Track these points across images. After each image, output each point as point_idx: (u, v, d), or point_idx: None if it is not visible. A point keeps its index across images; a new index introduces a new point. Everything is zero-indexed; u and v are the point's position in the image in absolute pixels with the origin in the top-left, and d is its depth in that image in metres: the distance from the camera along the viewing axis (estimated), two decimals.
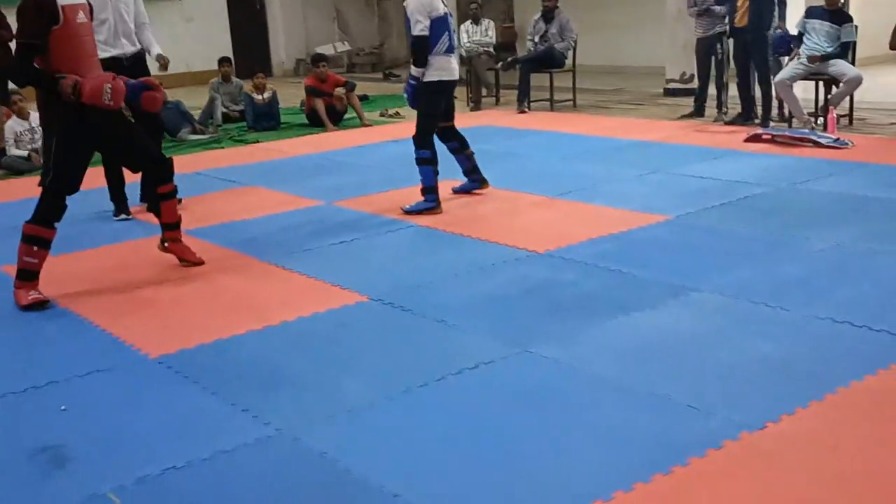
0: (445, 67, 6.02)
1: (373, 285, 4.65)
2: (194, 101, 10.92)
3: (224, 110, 10.86)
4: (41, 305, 4.55)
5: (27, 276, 4.61)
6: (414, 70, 6.02)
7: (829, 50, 8.21)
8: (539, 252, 5.06)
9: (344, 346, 3.92)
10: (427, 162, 6.06)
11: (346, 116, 10.53)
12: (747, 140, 7.88)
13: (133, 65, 6.28)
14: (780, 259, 4.72)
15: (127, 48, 6.28)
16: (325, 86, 10.37)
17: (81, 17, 4.52)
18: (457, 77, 6.23)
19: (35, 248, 4.59)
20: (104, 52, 6.06)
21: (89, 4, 4.73)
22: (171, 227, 5.08)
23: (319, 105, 10.18)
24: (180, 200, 6.80)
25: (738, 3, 8.63)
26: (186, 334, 4.13)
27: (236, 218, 6.27)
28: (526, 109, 10.54)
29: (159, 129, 6.83)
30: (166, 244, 5.14)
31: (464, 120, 10.25)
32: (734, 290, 4.29)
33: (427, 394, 3.41)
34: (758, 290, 4.26)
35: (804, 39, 8.39)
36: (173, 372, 3.74)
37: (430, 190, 6.08)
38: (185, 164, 8.16)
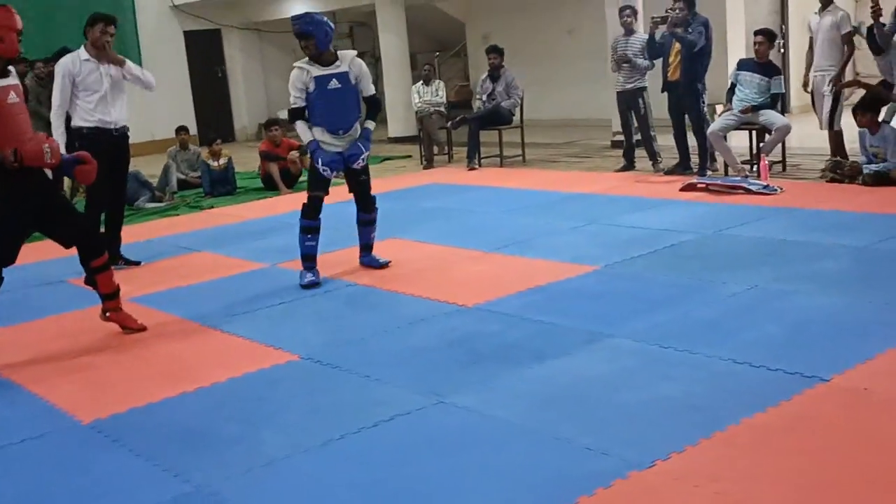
0: None
1: (305, 344, 4.82)
2: (158, 168, 11.13)
3: (183, 177, 11.10)
4: None
5: None
6: (372, 127, 6.12)
7: (760, 100, 8.55)
8: (468, 306, 5.26)
9: (269, 404, 4.08)
10: None
11: (301, 179, 10.75)
12: (683, 189, 8.16)
13: (120, 137, 6.65)
14: (695, 303, 4.94)
15: (114, 116, 6.62)
16: (279, 150, 10.64)
17: (13, 97, 4.73)
18: None
19: None
20: (91, 119, 6.50)
21: (23, 84, 4.96)
22: (109, 298, 5.24)
23: (273, 169, 10.44)
24: (139, 263, 7.06)
25: (671, 59, 8.98)
26: (120, 399, 4.27)
27: (182, 283, 6.44)
28: (476, 166, 10.82)
29: (123, 194, 7.09)
30: (108, 314, 5.29)
31: (416, 178, 10.59)
32: (647, 334, 4.50)
33: (343, 446, 3.58)
34: (669, 334, 4.47)
35: (736, 90, 8.74)
36: (103, 436, 3.88)
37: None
38: (141, 232, 8.41)
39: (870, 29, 8.14)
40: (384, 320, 5.16)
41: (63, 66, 6.58)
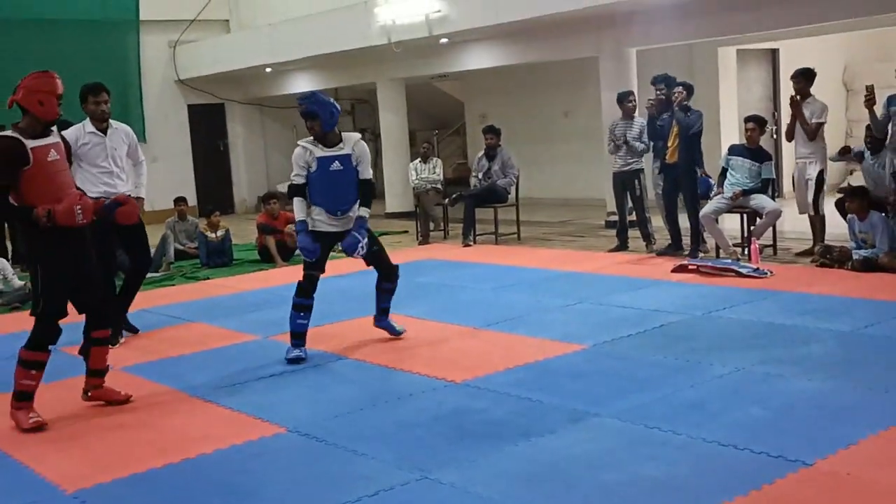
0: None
1: (293, 417, 4.84)
2: (156, 238, 11.22)
3: (181, 247, 11.23)
4: (41, 428, 4.90)
5: (25, 396, 4.99)
6: (367, 215, 6.06)
7: (751, 185, 8.71)
8: (457, 381, 5.29)
9: (254, 477, 4.08)
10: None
11: (297, 252, 10.82)
12: (674, 270, 8.24)
13: None
14: (681, 384, 4.97)
15: (118, 188, 6.67)
16: (277, 223, 10.76)
17: (53, 154, 4.90)
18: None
19: (32, 372, 4.96)
20: (97, 190, 6.53)
21: (63, 141, 5.13)
22: (97, 374, 5.27)
23: (270, 242, 10.54)
24: (137, 331, 7.09)
25: (669, 142, 9.12)
26: (105, 469, 4.28)
27: (173, 354, 6.47)
28: (471, 243, 10.94)
29: (146, 262, 7.16)
30: (90, 393, 5.30)
31: (411, 253, 10.69)
32: (632, 414, 4.52)
33: None
34: (654, 414, 4.49)
35: (727, 175, 8.90)
36: None
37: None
38: (136, 302, 8.37)
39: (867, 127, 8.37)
40: (373, 394, 5.19)
41: (65, 135, 6.72)
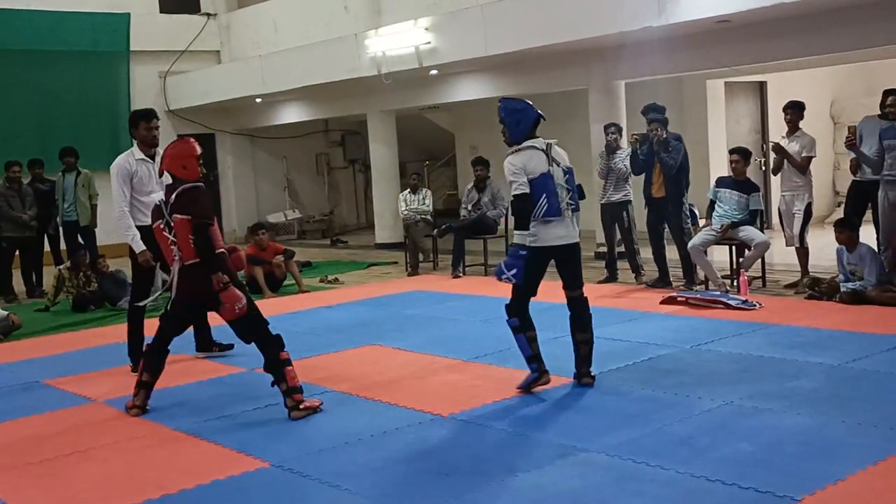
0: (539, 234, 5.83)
1: (276, 451, 4.78)
2: None
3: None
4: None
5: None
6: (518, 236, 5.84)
7: (739, 217, 8.71)
8: (443, 415, 5.24)
9: None
10: (517, 330, 5.81)
11: (285, 283, 10.82)
12: (663, 302, 8.22)
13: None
14: (670, 419, 4.93)
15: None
16: (265, 254, 10.71)
17: None
18: (561, 243, 5.95)
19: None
20: (144, 220, 6.43)
21: None
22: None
23: (258, 273, 10.48)
24: (232, 346, 7.26)
25: (654, 178, 9.12)
26: None
27: (156, 386, 6.34)
28: (460, 274, 10.91)
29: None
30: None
31: (400, 284, 10.65)
32: (620, 449, 4.47)
33: None
34: (642, 450, 4.44)
35: (715, 207, 8.91)
36: None
37: (528, 360, 5.71)
38: (121, 333, 8.33)
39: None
40: (358, 428, 5.12)
41: (119, 166, 6.58)
